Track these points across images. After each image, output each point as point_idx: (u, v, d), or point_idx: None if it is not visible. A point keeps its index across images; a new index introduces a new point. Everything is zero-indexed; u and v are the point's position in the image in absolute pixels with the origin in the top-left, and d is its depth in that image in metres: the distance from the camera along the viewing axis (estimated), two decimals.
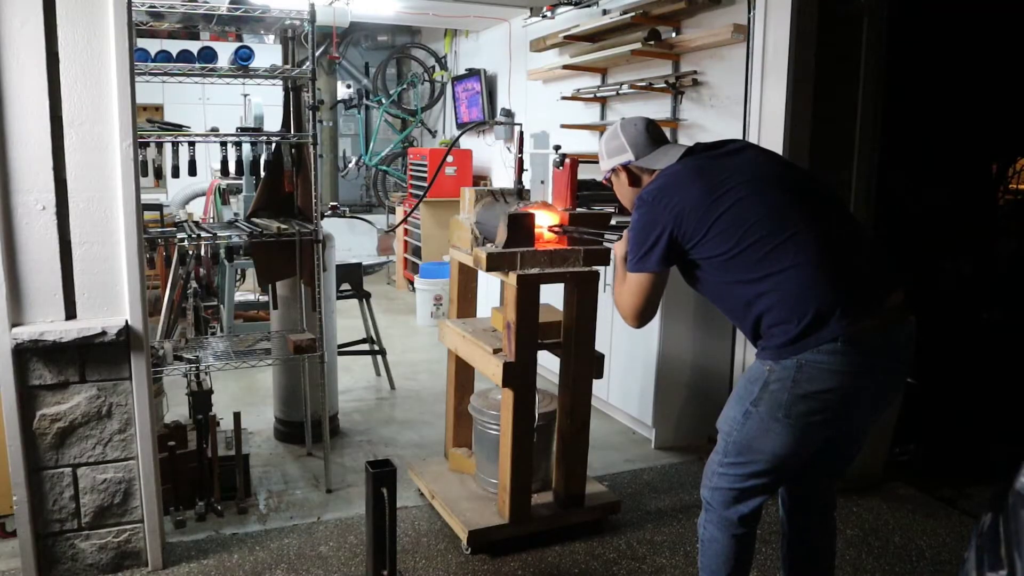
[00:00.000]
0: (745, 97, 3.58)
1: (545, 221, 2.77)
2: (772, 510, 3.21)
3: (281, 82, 3.50)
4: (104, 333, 2.46)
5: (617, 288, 2.21)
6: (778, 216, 1.95)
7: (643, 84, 4.78)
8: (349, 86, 9.00)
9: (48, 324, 2.45)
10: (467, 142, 7.41)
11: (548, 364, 3.66)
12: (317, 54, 3.25)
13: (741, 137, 3.62)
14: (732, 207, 1.98)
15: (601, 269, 2.93)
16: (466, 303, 3.21)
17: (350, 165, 8.82)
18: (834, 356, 1.88)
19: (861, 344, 1.89)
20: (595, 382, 2.95)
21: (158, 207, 3.25)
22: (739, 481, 2.05)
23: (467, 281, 3.19)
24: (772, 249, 1.92)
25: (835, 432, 2.03)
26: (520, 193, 2.94)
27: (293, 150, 3.49)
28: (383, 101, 8.39)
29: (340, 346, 4.42)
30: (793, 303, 1.90)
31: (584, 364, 2.87)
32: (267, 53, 6.99)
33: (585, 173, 4.74)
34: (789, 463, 2.02)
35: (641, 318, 2.16)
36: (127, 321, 2.52)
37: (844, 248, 1.99)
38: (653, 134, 2.27)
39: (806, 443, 1.99)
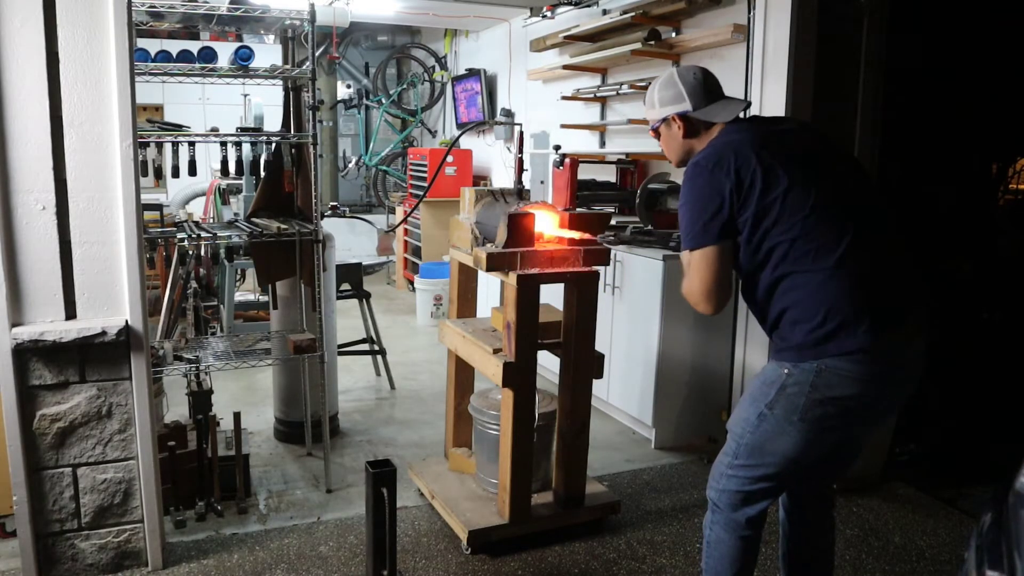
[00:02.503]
0: (745, 97, 3.58)
1: (545, 221, 2.77)
2: (772, 510, 3.21)
3: (281, 82, 3.50)
4: (104, 333, 2.46)
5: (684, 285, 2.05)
6: (827, 215, 1.91)
7: (643, 84, 4.78)
8: (349, 86, 9.00)
9: (48, 324, 2.45)
10: (467, 142, 7.41)
11: (548, 364, 3.66)
12: (317, 54, 3.25)
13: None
14: (788, 192, 1.90)
15: (601, 269, 2.93)
16: (466, 303, 3.21)
17: (350, 165, 8.82)
18: (856, 364, 1.87)
19: (883, 355, 1.89)
20: (595, 382, 2.94)
21: (158, 207, 3.26)
22: (748, 483, 2.04)
23: (467, 281, 3.19)
24: (816, 247, 1.88)
25: (845, 438, 2.03)
26: (520, 193, 2.94)
27: (293, 150, 3.49)
28: (383, 101, 8.39)
29: (340, 346, 4.42)
30: (822, 305, 1.88)
31: (584, 364, 2.87)
32: (267, 53, 7.00)
33: (585, 173, 4.75)
34: (798, 467, 2.02)
35: (714, 299, 1.96)
36: (127, 321, 2.52)
37: (882, 257, 1.98)
38: (711, 85, 2.13)
39: (817, 447, 1.99)
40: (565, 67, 5.43)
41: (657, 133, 2.20)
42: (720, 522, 2.10)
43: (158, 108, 7.86)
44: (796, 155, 1.97)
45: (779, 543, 2.33)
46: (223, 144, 3.37)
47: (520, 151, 2.99)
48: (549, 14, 5.75)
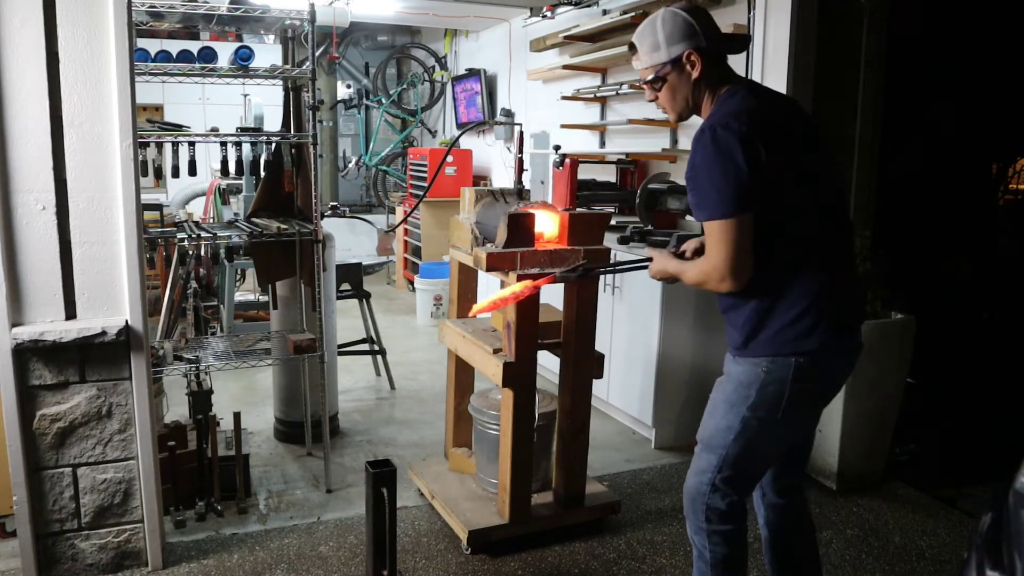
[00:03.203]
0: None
1: (545, 221, 2.76)
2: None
3: (281, 82, 3.50)
4: (104, 333, 2.46)
5: (691, 273, 1.91)
6: (820, 212, 1.91)
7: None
8: (349, 86, 9.00)
9: (48, 324, 2.45)
10: (467, 142, 7.40)
11: (548, 364, 3.66)
12: (317, 54, 3.25)
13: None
14: (798, 183, 1.85)
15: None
16: (466, 303, 3.20)
17: (350, 165, 8.82)
18: (827, 356, 1.90)
19: (846, 348, 1.95)
20: (595, 382, 2.94)
21: (158, 207, 3.25)
22: (737, 492, 2.01)
23: (467, 281, 3.19)
24: (807, 243, 1.87)
25: (809, 430, 2.08)
26: (520, 193, 2.94)
27: (293, 150, 3.49)
28: (383, 101, 8.39)
29: (340, 346, 4.42)
30: (804, 299, 1.87)
31: (584, 364, 2.87)
32: (267, 53, 6.99)
33: (585, 173, 4.75)
34: (778, 459, 2.03)
35: (737, 273, 1.80)
36: (127, 321, 2.52)
37: (849, 254, 2.01)
38: (709, 17, 1.94)
39: (791, 439, 2.02)
40: (565, 67, 5.43)
41: (657, 85, 1.94)
42: (720, 540, 2.04)
43: (158, 108, 7.86)
44: (806, 144, 1.93)
45: (764, 553, 2.26)
46: (223, 144, 3.37)
47: (520, 151, 2.99)
48: (549, 14, 5.75)
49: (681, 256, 2.08)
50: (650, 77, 1.95)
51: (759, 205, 1.79)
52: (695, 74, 1.91)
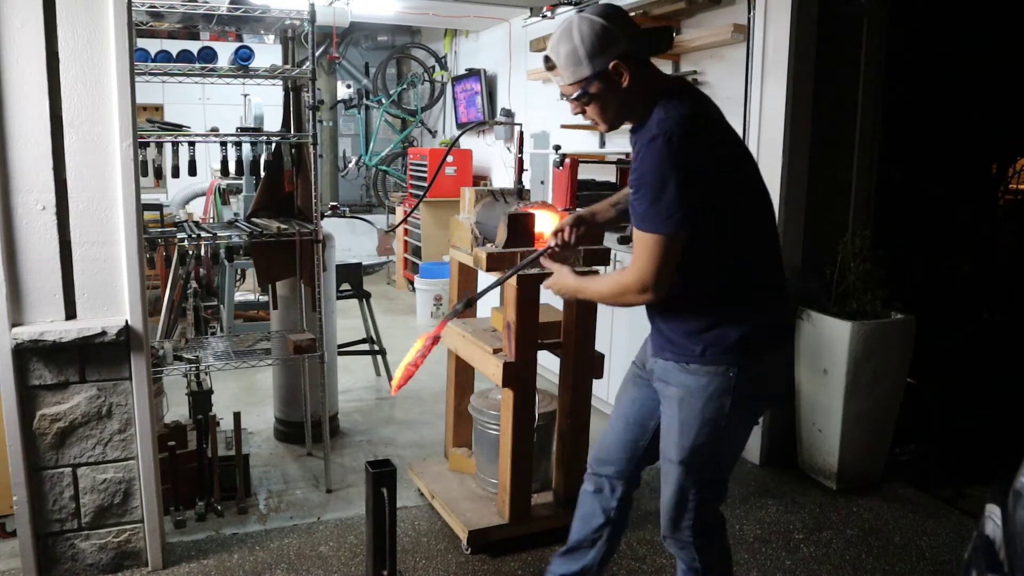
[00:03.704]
0: (745, 97, 3.58)
1: (545, 221, 2.76)
2: (772, 511, 3.22)
3: (281, 82, 3.50)
4: (104, 333, 2.46)
5: (602, 286, 1.89)
6: (765, 217, 1.92)
7: None
8: (349, 86, 9.00)
9: (48, 324, 2.45)
10: (467, 142, 7.40)
11: (548, 364, 3.66)
12: (317, 54, 3.25)
13: (742, 137, 3.62)
14: (748, 183, 1.85)
15: (601, 269, 2.93)
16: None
17: (350, 165, 8.82)
18: (777, 355, 1.97)
19: (791, 340, 2.09)
20: (595, 382, 2.95)
21: (158, 207, 3.25)
22: (720, 499, 2.04)
23: (467, 281, 3.18)
24: (756, 251, 1.89)
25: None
26: (520, 193, 2.94)
27: (293, 150, 3.49)
28: (383, 101, 8.39)
29: (340, 346, 4.42)
30: (764, 300, 1.91)
31: (584, 364, 2.87)
32: (267, 53, 6.99)
33: (585, 173, 4.74)
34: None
35: (662, 286, 1.75)
36: (127, 321, 2.52)
37: (780, 260, 2.03)
38: (626, 16, 1.80)
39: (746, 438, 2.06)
40: None
41: (584, 100, 1.80)
42: (711, 552, 2.06)
43: (158, 108, 7.86)
44: (742, 147, 1.95)
45: (603, 537, 2.23)
46: (223, 144, 3.37)
47: (520, 151, 2.99)
48: (549, 14, 5.74)
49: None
50: (575, 95, 1.79)
51: (702, 219, 1.73)
52: (624, 83, 1.76)
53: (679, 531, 2.01)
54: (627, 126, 1.90)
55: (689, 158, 1.69)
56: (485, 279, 3.22)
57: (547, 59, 1.81)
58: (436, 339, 2.00)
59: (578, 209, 2.27)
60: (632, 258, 1.79)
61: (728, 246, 1.83)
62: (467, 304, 2.16)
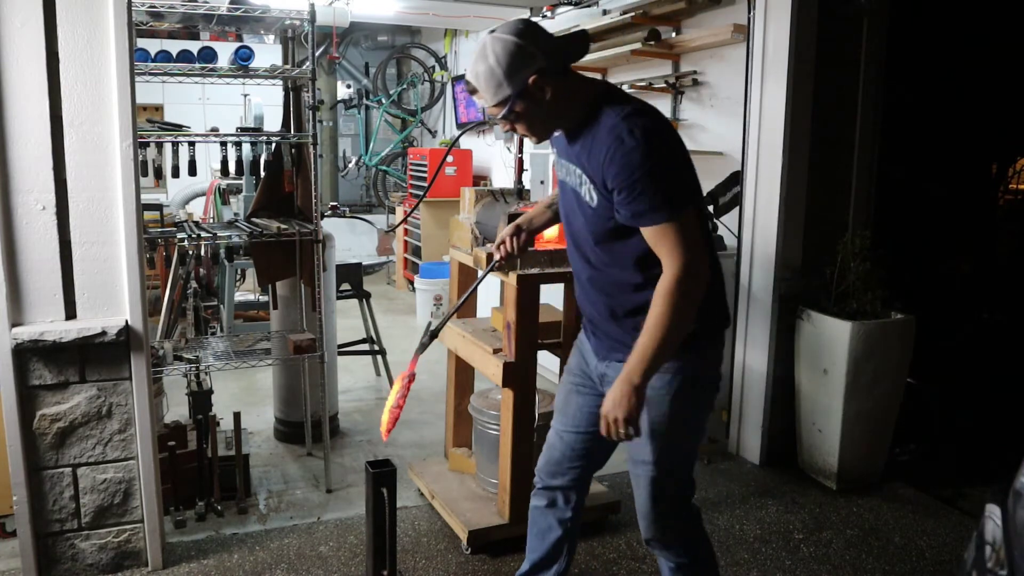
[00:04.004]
0: (745, 97, 3.58)
1: None
2: (772, 511, 3.21)
3: (281, 82, 3.50)
4: (104, 333, 2.46)
5: (656, 325, 1.73)
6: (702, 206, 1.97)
7: (643, 84, 4.78)
8: (349, 86, 9.00)
9: (48, 324, 2.45)
10: (467, 142, 7.40)
11: (548, 364, 3.66)
12: (317, 54, 3.25)
13: (742, 138, 3.62)
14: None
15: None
16: (466, 303, 3.20)
17: (350, 165, 8.82)
18: (723, 335, 2.02)
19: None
20: None
21: (158, 207, 3.25)
22: (692, 491, 2.08)
23: (467, 281, 3.18)
24: (704, 232, 1.90)
25: None
26: (520, 193, 2.94)
27: (293, 150, 3.49)
28: (383, 101, 8.39)
29: (340, 346, 4.42)
30: (718, 295, 1.95)
31: None
32: (267, 53, 6.99)
33: None
34: None
35: (703, 262, 1.74)
36: (127, 321, 2.52)
37: None
38: (538, 28, 1.81)
39: None
40: None
41: (511, 118, 1.80)
42: (701, 535, 2.11)
43: (158, 108, 7.86)
44: None
45: (554, 540, 2.28)
46: (223, 144, 3.37)
47: (520, 151, 2.99)
48: (549, 14, 5.75)
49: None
50: (501, 115, 1.80)
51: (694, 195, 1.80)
52: (547, 96, 1.77)
53: (663, 531, 2.02)
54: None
55: (669, 143, 1.76)
56: (485, 279, 3.23)
57: (468, 83, 1.83)
58: (412, 377, 2.06)
59: (518, 218, 2.30)
60: (662, 253, 1.75)
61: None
62: (432, 336, 2.18)
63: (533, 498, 2.29)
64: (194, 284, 4.16)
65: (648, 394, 1.81)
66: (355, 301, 4.74)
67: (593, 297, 1.97)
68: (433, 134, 8.43)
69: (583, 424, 2.12)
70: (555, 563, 2.27)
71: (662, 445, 1.92)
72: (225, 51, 3.64)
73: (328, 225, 4.29)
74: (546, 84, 1.76)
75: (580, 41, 1.86)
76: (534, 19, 5.97)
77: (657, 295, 1.74)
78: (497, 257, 2.21)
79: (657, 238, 1.74)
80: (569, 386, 2.16)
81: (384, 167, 8.49)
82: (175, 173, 3.23)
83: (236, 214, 4.32)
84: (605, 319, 1.95)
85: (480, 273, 2.18)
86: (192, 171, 3.27)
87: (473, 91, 1.82)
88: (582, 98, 1.81)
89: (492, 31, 1.78)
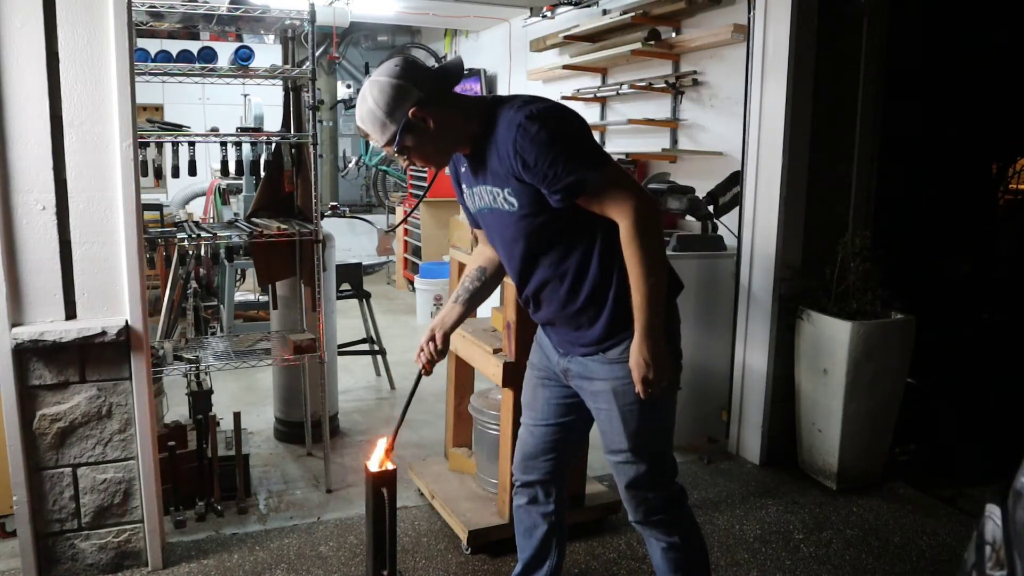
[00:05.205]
0: (745, 97, 3.58)
1: None
2: (772, 511, 3.21)
3: (281, 82, 3.50)
4: (104, 333, 2.46)
5: (641, 271, 1.79)
6: None
7: (643, 84, 4.78)
8: (349, 86, 9.00)
9: (48, 324, 2.45)
10: None
11: None
12: (317, 54, 3.25)
13: (742, 138, 3.62)
14: None
15: None
16: None
17: (350, 165, 8.82)
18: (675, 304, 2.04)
19: None
20: None
21: (158, 207, 3.26)
22: (675, 471, 2.08)
23: None
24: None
25: None
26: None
27: (293, 150, 3.49)
28: None
29: (340, 346, 4.42)
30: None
31: None
32: (267, 53, 6.99)
33: None
34: None
35: (651, 205, 1.81)
36: (127, 321, 2.52)
37: None
38: (415, 61, 1.90)
39: None
40: (565, 67, 5.43)
41: (404, 152, 1.87)
42: (690, 519, 2.13)
43: (158, 108, 7.87)
44: None
45: (541, 536, 2.29)
46: (223, 144, 3.37)
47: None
48: (549, 14, 5.76)
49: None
50: (394, 151, 1.86)
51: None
52: (431, 125, 1.83)
53: (649, 513, 2.05)
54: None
55: (567, 116, 1.83)
56: None
57: (358, 128, 1.90)
58: (393, 442, 2.18)
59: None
60: (610, 209, 1.80)
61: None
62: (402, 417, 2.28)
63: (515, 497, 2.31)
64: (194, 284, 4.17)
65: (613, 384, 1.89)
66: (355, 301, 4.75)
67: (549, 298, 1.97)
68: None
69: (552, 416, 2.14)
70: (546, 560, 2.28)
71: (635, 432, 1.94)
72: (225, 51, 3.64)
73: (328, 225, 4.29)
74: (427, 114, 1.81)
75: (455, 66, 1.92)
76: (534, 19, 5.97)
77: (626, 246, 1.79)
78: (420, 366, 2.20)
79: (599, 198, 1.80)
80: (535, 380, 2.19)
81: (384, 167, 8.49)
82: (175, 173, 3.23)
83: (236, 214, 4.32)
84: (552, 319, 1.99)
85: (411, 389, 2.24)
86: (192, 171, 3.27)
87: (365, 135, 1.89)
88: (473, 114, 1.87)
89: (367, 75, 1.86)
